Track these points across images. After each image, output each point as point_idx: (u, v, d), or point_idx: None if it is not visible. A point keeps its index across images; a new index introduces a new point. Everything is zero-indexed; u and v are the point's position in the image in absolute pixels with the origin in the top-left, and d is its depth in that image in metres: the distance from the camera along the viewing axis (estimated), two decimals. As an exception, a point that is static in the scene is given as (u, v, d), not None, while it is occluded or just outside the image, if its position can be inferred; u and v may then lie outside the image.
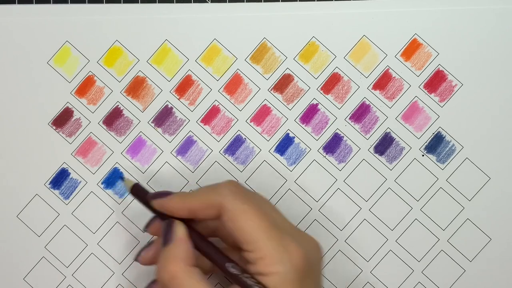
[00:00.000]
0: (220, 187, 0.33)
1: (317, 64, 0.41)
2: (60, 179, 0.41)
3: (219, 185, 0.34)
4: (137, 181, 0.37)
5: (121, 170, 0.41)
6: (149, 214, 0.36)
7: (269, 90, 0.41)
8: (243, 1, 0.41)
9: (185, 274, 0.31)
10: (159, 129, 0.41)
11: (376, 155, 0.41)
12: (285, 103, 0.41)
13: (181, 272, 0.31)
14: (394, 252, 0.41)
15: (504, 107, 0.41)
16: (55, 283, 0.41)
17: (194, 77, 0.41)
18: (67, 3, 0.41)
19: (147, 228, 0.36)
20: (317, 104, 0.41)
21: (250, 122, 0.41)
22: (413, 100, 0.41)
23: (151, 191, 0.36)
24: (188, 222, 0.34)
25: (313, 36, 0.41)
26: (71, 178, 0.41)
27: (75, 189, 0.41)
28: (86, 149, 0.41)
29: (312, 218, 0.41)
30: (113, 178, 0.41)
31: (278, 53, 0.41)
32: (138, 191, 0.36)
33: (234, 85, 0.41)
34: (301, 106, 0.41)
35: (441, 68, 0.41)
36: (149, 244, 0.36)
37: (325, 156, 0.41)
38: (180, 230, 0.33)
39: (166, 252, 0.33)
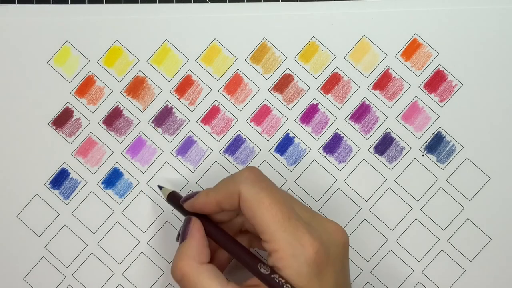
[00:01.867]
0: (238, 175, 0.33)
1: (317, 64, 0.41)
2: (60, 179, 0.41)
3: (238, 173, 0.33)
4: (172, 190, 0.38)
5: (121, 170, 0.41)
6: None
7: (269, 90, 0.41)
8: (243, 1, 0.41)
9: (195, 272, 0.32)
10: (159, 129, 0.41)
11: (376, 155, 0.41)
12: (285, 103, 0.41)
13: (191, 270, 0.32)
14: (394, 252, 0.41)
15: (504, 107, 0.41)
16: (55, 283, 0.41)
17: (194, 77, 0.41)
18: (67, 3, 0.41)
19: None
20: (317, 104, 0.41)
21: (250, 122, 0.41)
22: (413, 100, 0.41)
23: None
24: (213, 221, 0.35)
25: (313, 36, 0.41)
26: (71, 178, 0.41)
27: (75, 189, 0.41)
28: (86, 149, 0.41)
29: (312, 218, 0.41)
30: (113, 178, 0.41)
31: (278, 53, 0.41)
32: (173, 198, 0.37)
33: (234, 85, 0.41)
34: (301, 106, 0.41)
35: (441, 68, 0.41)
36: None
37: (325, 156, 0.41)
38: (194, 227, 0.34)
39: (179, 250, 0.33)
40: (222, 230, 0.35)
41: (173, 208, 0.41)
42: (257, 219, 0.31)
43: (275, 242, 0.31)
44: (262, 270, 0.31)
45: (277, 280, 0.31)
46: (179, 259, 0.33)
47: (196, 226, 0.34)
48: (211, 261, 0.34)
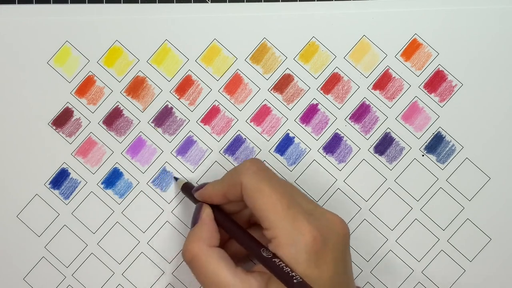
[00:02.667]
0: (241, 166, 0.34)
1: (317, 64, 0.41)
2: (60, 179, 0.41)
3: (241, 164, 0.35)
4: (187, 180, 0.41)
5: (121, 170, 0.41)
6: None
7: (269, 90, 0.41)
8: (243, 1, 0.41)
9: (205, 254, 0.33)
10: (159, 129, 0.41)
11: (376, 155, 0.41)
12: (285, 103, 0.41)
13: (201, 252, 0.33)
14: (394, 252, 0.41)
15: (504, 107, 0.41)
16: (55, 283, 0.41)
17: (194, 77, 0.41)
18: (67, 3, 0.41)
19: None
20: (317, 104, 0.41)
21: (250, 122, 0.41)
22: (413, 100, 0.41)
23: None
24: (223, 210, 0.36)
25: (313, 36, 0.41)
26: (71, 178, 0.41)
27: (75, 189, 0.41)
28: (86, 149, 0.41)
29: (312, 218, 0.41)
30: (113, 178, 0.41)
31: (278, 53, 0.41)
32: (186, 188, 0.39)
33: (234, 85, 0.41)
34: (301, 106, 0.41)
35: (441, 68, 0.41)
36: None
37: (325, 156, 0.41)
38: (205, 213, 0.35)
39: (190, 233, 0.35)
40: (230, 218, 0.36)
41: (173, 208, 0.41)
42: (257, 208, 0.32)
43: (274, 230, 0.32)
44: (264, 254, 0.32)
45: (278, 264, 0.31)
46: (189, 241, 0.34)
47: (206, 212, 0.35)
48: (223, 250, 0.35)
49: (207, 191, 0.36)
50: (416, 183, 0.41)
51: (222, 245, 0.36)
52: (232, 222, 0.36)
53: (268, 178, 0.33)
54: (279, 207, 0.32)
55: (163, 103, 0.41)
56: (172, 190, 0.41)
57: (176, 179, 0.41)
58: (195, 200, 0.37)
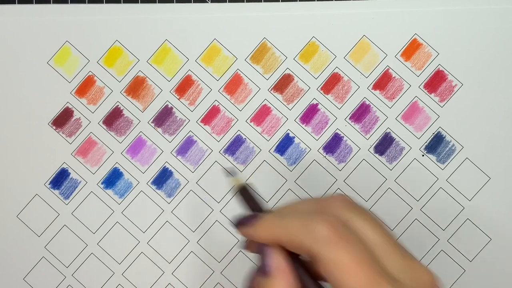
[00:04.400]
0: (315, 223, 0.26)
1: (317, 64, 0.41)
2: (60, 179, 0.41)
3: (314, 219, 0.27)
4: (245, 183, 0.32)
5: (121, 170, 0.41)
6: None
7: (269, 90, 0.41)
8: (243, 1, 0.41)
9: None
10: (159, 129, 0.41)
11: (376, 155, 0.41)
12: (285, 103, 0.41)
13: None
14: (394, 252, 0.41)
15: (504, 107, 0.41)
16: (55, 283, 0.41)
17: (194, 77, 0.41)
18: (67, 3, 0.41)
19: (245, 248, 0.32)
20: (317, 104, 0.41)
21: (250, 122, 0.41)
22: (413, 100, 0.41)
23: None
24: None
25: (313, 36, 0.41)
26: (71, 178, 0.41)
27: (75, 189, 0.41)
28: (86, 149, 0.41)
29: (312, 218, 0.41)
30: (113, 178, 0.41)
31: (278, 53, 0.41)
32: (244, 195, 0.31)
33: (234, 85, 0.41)
34: (301, 106, 0.41)
35: (441, 68, 0.41)
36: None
37: (325, 156, 0.41)
38: (278, 260, 0.28)
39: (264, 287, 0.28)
40: (303, 266, 0.28)
41: (173, 208, 0.41)
42: (337, 283, 0.26)
43: None
44: None
45: None
46: None
47: (280, 258, 0.28)
48: None
49: (261, 233, 0.28)
50: (416, 183, 0.41)
51: None
52: (305, 273, 0.28)
53: (348, 244, 0.26)
54: (362, 278, 0.26)
55: (163, 103, 0.41)
56: (170, 188, 0.41)
57: (230, 173, 0.33)
58: (250, 209, 0.31)
